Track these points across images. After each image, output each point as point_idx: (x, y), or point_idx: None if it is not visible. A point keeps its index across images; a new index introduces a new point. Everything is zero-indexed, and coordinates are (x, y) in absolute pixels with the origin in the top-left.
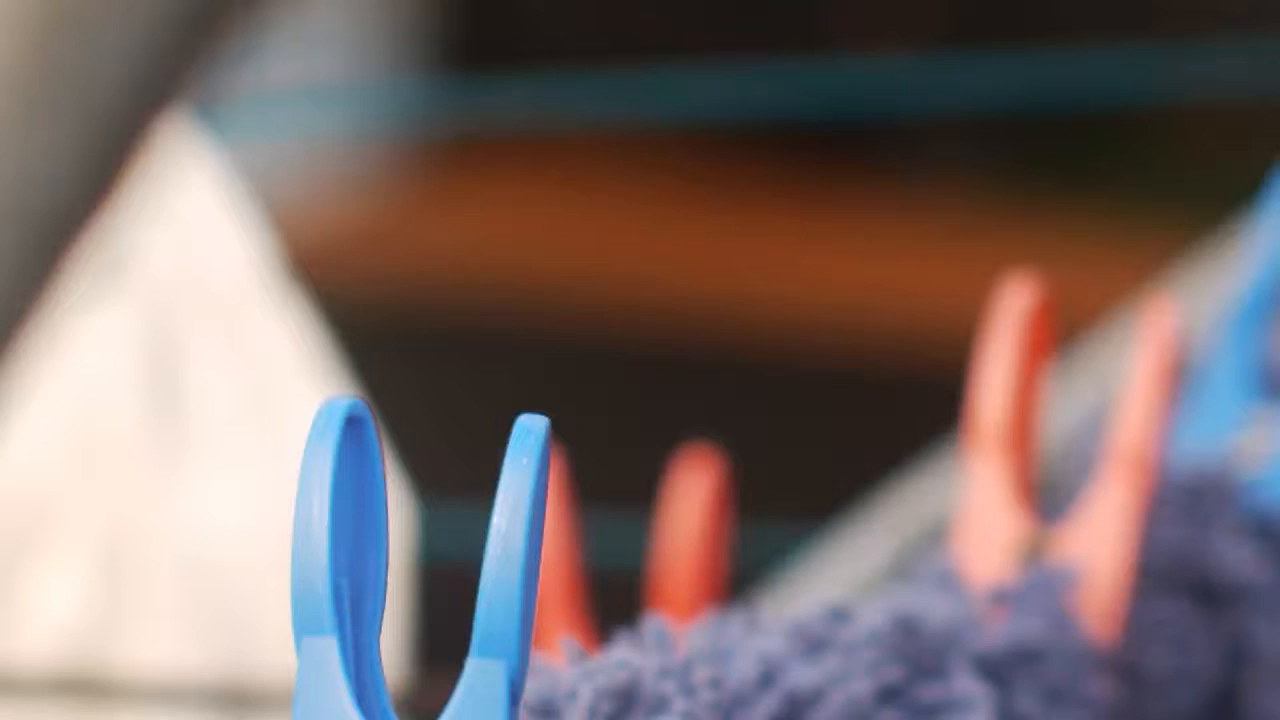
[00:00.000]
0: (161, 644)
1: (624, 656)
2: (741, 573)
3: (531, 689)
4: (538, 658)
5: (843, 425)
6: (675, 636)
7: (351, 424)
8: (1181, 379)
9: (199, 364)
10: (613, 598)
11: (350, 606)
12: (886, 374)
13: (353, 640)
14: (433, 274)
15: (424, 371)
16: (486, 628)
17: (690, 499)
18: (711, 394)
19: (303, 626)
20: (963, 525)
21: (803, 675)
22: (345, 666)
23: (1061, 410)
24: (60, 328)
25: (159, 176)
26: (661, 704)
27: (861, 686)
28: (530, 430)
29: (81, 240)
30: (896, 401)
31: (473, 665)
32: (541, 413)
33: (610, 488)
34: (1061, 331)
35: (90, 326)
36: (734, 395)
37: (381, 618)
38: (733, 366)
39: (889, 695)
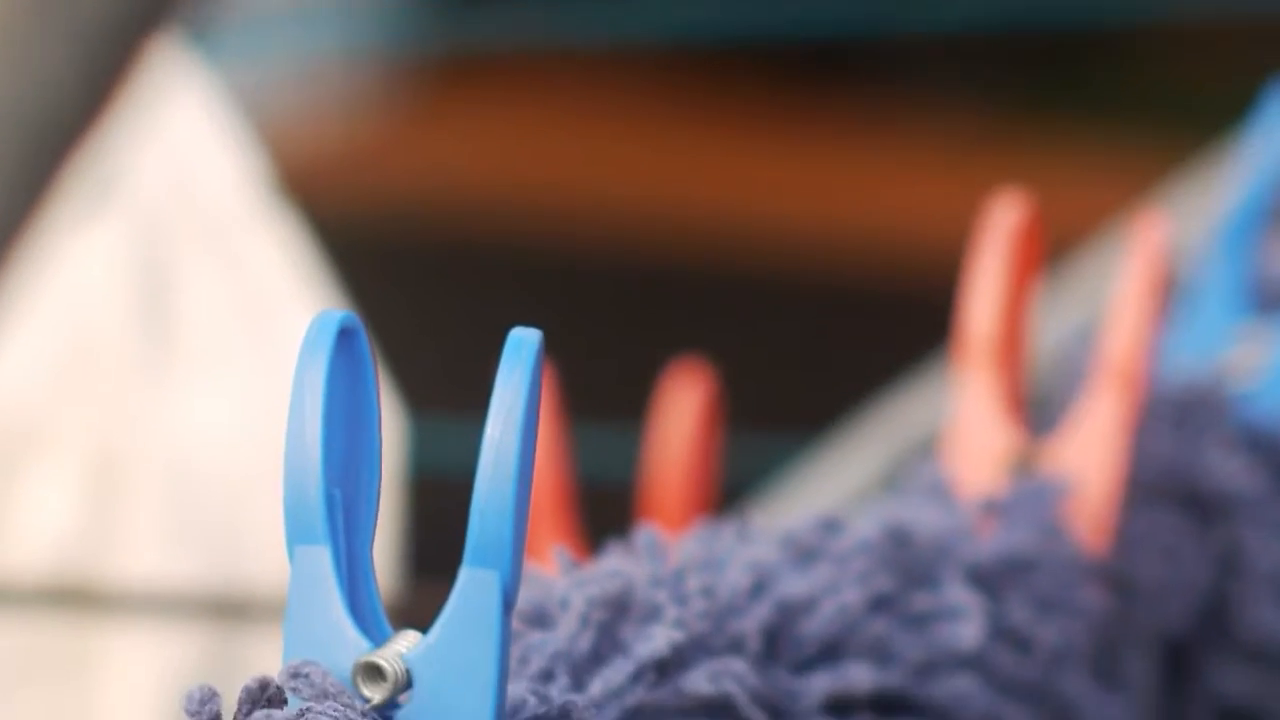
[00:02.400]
0: (153, 556)
1: (616, 565)
2: (734, 486)
3: (524, 598)
4: (530, 567)
5: (834, 340)
6: (667, 546)
7: (344, 335)
8: (1172, 294)
9: (190, 281)
10: (603, 511)
11: (343, 516)
12: (878, 289)
13: (345, 550)
14: (422, 192)
15: (413, 289)
16: (480, 537)
17: (681, 412)
18: (703, 309)
19: (295, 536)
20: (953, 438)
21: (794, 585)
22: (338, 576)
23: (1052, 324)
24: (53, 244)
25: (151, 97)
26: (654, 612)
27: (853, 596)
28: (524, 342)
29: (77, 152)
30: (888, 316)
31: (466, 575)
32: (533, 325)
33: (600, 401)
34: (1053, 247)
35: (82, 244)
36: (725, 310)
37: (374, 528)
38: (724, 282)
39: (880, 605)
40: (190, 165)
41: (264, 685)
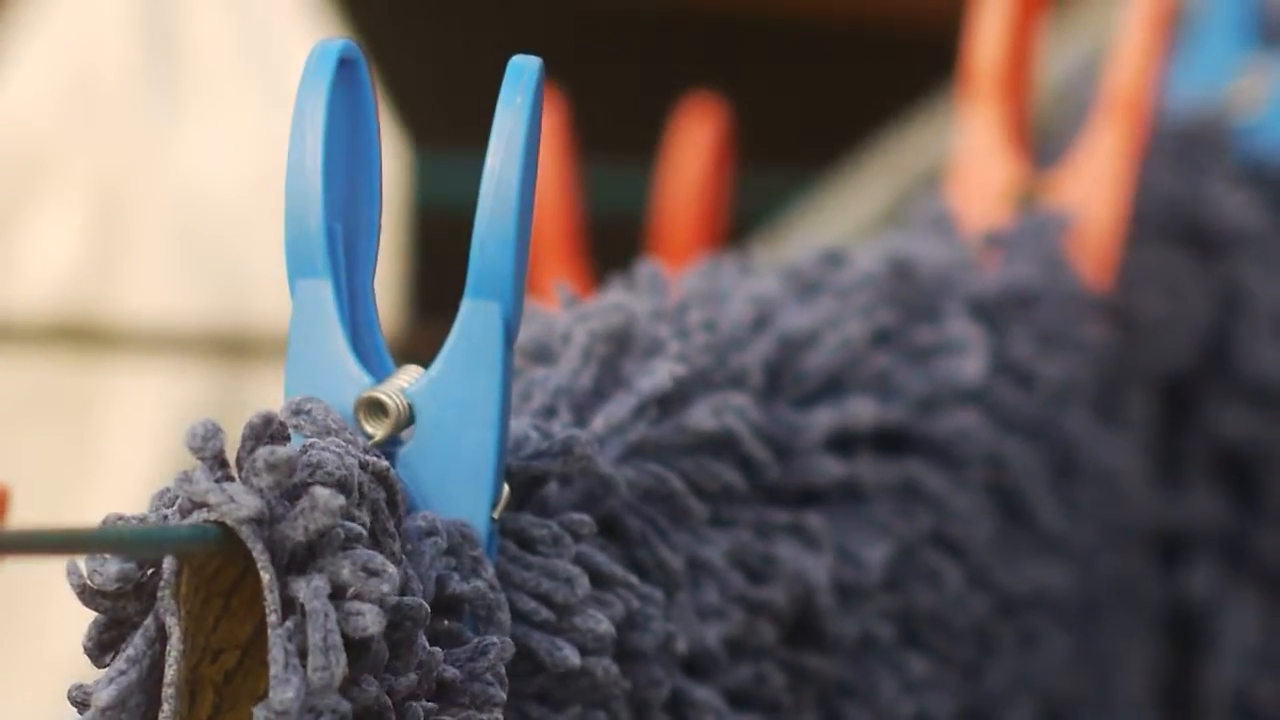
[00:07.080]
0: (157, 290)
1: (618, 300)
2: (742, 221)
3: (525, 334)
4: (532, 304)
5: (843, 74)
6: (669, 280)
7: (344, 66)
8: (1178, 25)
9: (194, 9)
10: (615, 247)
11: (344, 250)
12: (884, 24)
13: (347, 283)
14: None
15: (418, 22)
16: (481, 267)
17: (693, 146)
18: (712, 43)
19: (297, 269)
20: (958, 170)
21: (796, 318)
22: (340, 310)
23: (1058, 57)
24: None
25: None
26: (656, 346)
27: (855, 329)
28: (524, 69)
29: None
30: (897, 50)
31: (468, 306)
32: (540, 56)
33: (612, 138)
34: None
35: None
36: (736, 47)
37: (375, 261)
38: (736, 19)
39: (883, 338)
40: None
41: (268, 421)
